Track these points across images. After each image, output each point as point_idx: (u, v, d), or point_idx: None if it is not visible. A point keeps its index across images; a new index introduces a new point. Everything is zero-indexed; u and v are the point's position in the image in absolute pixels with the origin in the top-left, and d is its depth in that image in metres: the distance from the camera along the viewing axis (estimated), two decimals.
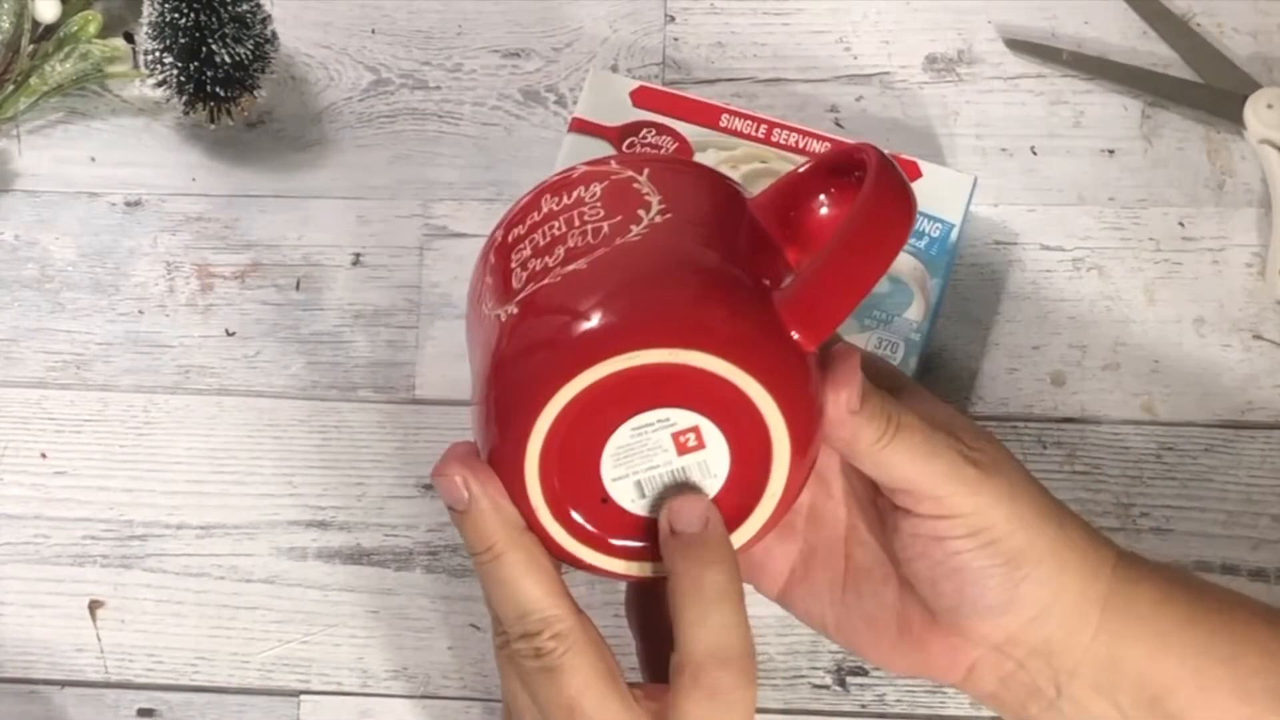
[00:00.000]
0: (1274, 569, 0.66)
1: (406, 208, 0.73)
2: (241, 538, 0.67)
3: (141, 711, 0.64)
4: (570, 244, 0.47)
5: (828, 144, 0.69)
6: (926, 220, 0.68)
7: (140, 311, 0.71)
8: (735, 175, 0.68)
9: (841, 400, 0.47)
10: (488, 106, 0.75)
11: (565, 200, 0.48)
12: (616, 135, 0.70)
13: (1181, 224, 0.72)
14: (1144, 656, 0.50)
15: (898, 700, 0.64)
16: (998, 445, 0.51)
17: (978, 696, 0.52)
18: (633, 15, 0.77)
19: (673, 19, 0.77)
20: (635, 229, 0.47)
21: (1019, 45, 0.76)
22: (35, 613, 0.66)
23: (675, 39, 0.76)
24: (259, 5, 0.71)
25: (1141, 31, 0.76)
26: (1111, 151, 0.73)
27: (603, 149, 0.70)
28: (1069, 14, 0.76)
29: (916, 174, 0.68)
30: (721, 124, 0.70)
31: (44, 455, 0.69)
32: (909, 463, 0.48)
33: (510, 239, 0.49)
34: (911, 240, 0.67)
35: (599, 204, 0.48)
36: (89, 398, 0.70)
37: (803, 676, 0.64)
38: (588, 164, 0.49)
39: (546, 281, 0.47)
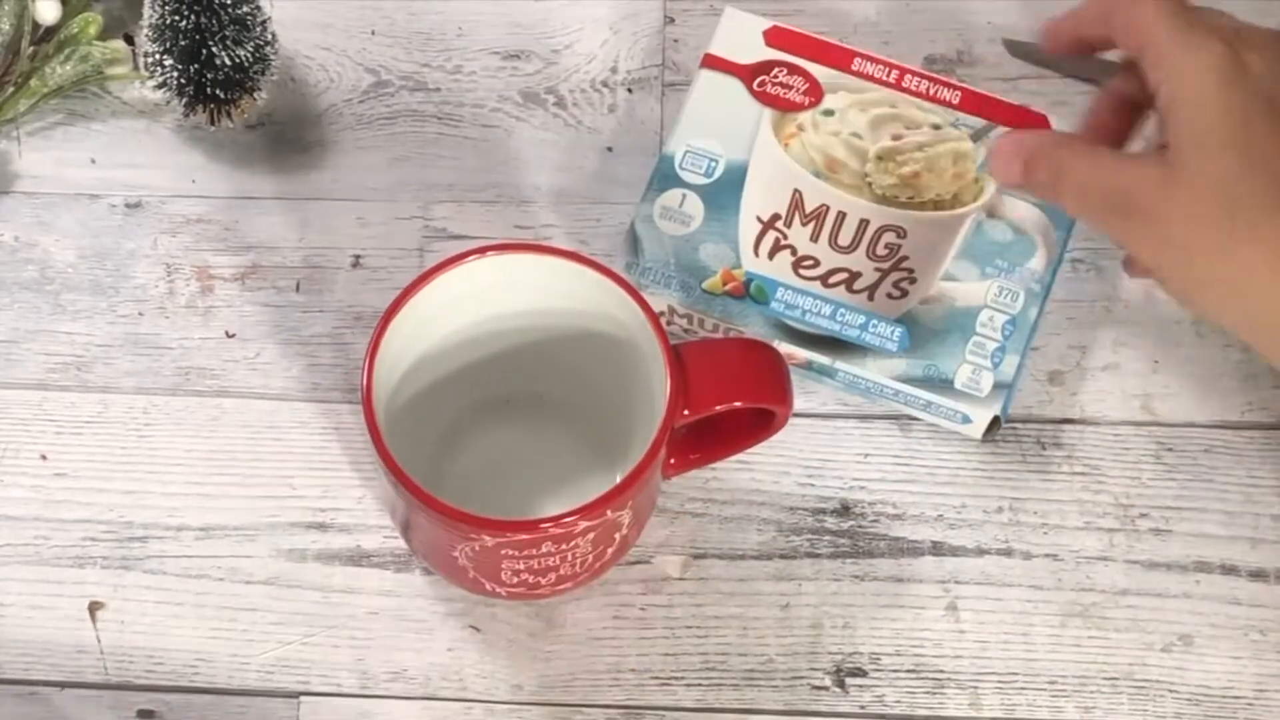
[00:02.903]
0: (1274, 569, 0.66)
1: (406, 210, 0.73)
2: (241, 539, 0.67)
3: (141, 713, 0.64)
4: (562, 571, 0.60)
5: (959, 93, 0.71)
6: None
7: (140, 313, 0.71)
8: (864, 118, 0.70)
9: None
10: (488, 108, 0.76)
11: (564, 545, 0.58)
12: (748, 73, 0.71)
13: None
14: None
15: (897, 701, 0.64)
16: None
17: None
18: (633, 17, 0.77)
19: (672, 20, 0.77)
20: (609, 551, 0.61)
21: (1018, 46, 0.76)
22: (35, 614, 0.66)
23: (675, 40, 0.76)
24: (259, 7, 0.71)
25: None
26: None
27: (734, 85, 0.71)
28: None
29: (1046, 126, 0.70)
30: (854, 68, 0.71)
31: (44, 457, 0.69)
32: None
33: (501, 552, 0.58)
34: None
35: (590, 541, 0.58)
36: (89, 399, 0.70)
37: (802, 677, 0.64)
38: (583, 515, 0.56)
39: (540, 592, 0.62)
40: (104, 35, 0.74)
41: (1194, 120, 0.50)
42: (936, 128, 0.70)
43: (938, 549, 0.66)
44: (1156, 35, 0.51)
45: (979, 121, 0.70)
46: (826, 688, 0.64)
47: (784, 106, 0.71)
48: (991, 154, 0.57)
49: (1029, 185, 0.55)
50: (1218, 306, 0.53)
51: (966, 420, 0.66)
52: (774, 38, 0.72)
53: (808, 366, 0.68)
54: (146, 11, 0.70)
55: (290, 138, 0.75)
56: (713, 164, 0.70)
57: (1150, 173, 0.51)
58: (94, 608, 0.66)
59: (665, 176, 0.70)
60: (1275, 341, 0.52)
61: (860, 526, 0.67)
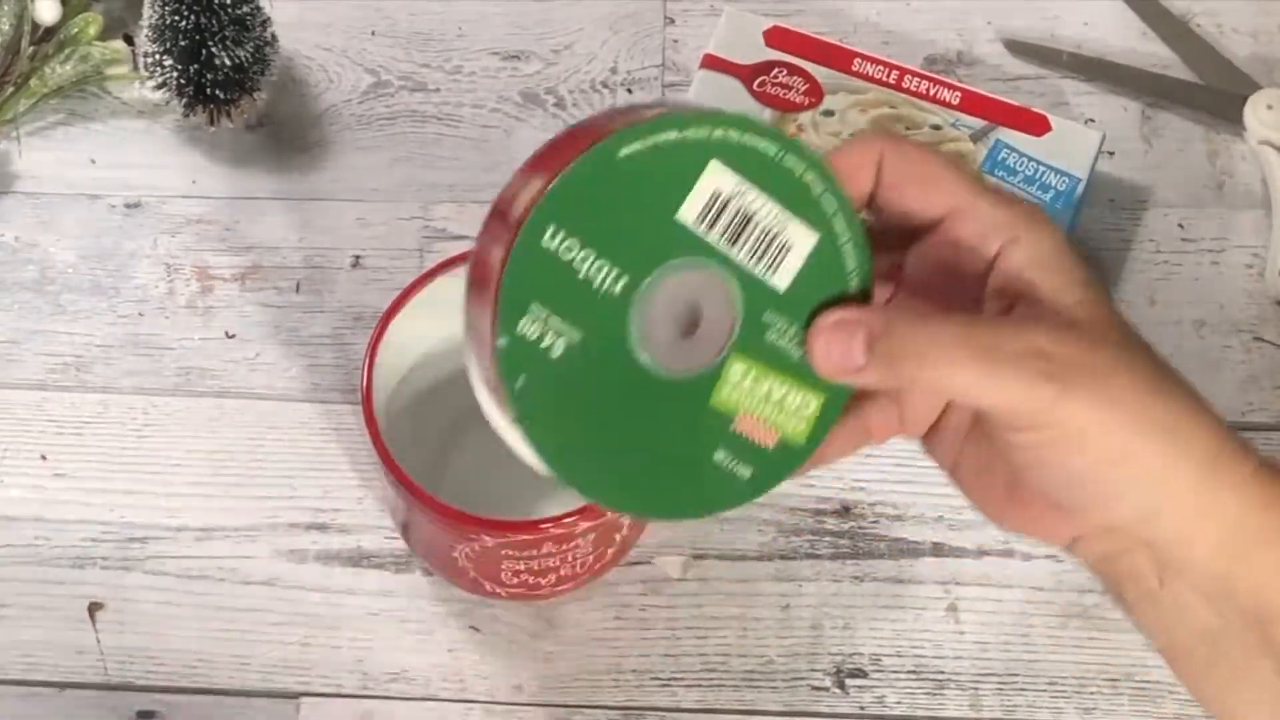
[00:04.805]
0: None
1: (406, 210, 0.73)
2: (242, 540, 0.67)
3: (141, 714, 0.64)
4: (562, 572, 0.61)
5: (959, 93, 0.71)
6: (1053, 174, 0.69)
7: (140, 314, 0.71)
8: (865, 119, 0.70)
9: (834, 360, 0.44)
10: (487, 109, 0.75)
11: (565, 546, 0.59)
12: (748, 73, 0.71)
13: (1181, 225, 0.72)
14: (1263, 584, 0.46)
15: (897, 702, 0.64)
16: (1087, 336, 0.45)
17: (1081, 563, 0.50)
18: (633, 17, 0.77)
19: (672, 21, 0.77)
20: (610, 551, 0.62)
21: (1019, 46, 0.76)
22: (36, 615, 0.66)
23: (675, 41, 0.76)
24: (259, 8, 0.71)
25: (1141, 32, 0.76)
26: (1111, 153, 0.73)
27: (734, 86, 0.71)
28: (1069, 15, 0.76)
29: (1046, 127, 0.70)
30: (854, 68, 0.71)
31: (44, 458, 0.69)
32: (975, 396, 0.44)
33: (502, 553, 0.59)
34: (1036, 193, 0.69)
35: (590, 542, 0.59)
36: (89, 400, 0.70)
37: (802, 678, 0.64)
38: (583, 515, 0.57)
39: (540, 593, 0.63)
40: (104, 35, 0.74)
41: (1070, 278, 0.46)
42: (937, 128, 0.70)
43: (938, 550, 0.66)
44: (982, 203, 0.46)
45: (979, 122, 0.70)
46: (827, 689, 0.64)
47: (784, 107, 0.71)
48: (812, 337, 0.44)
49: (876, 379, 0.45)
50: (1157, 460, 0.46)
51: None
52: (774, 38, 0.72)
53: None
54: (146, 11, 0.70)
55: (290, 138, 0.75)
56: None
57: (1064, 328, 0.45)
58: (94, 608, 0.66)
59: None
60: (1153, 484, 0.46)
61: (860, 527, 0.67)
